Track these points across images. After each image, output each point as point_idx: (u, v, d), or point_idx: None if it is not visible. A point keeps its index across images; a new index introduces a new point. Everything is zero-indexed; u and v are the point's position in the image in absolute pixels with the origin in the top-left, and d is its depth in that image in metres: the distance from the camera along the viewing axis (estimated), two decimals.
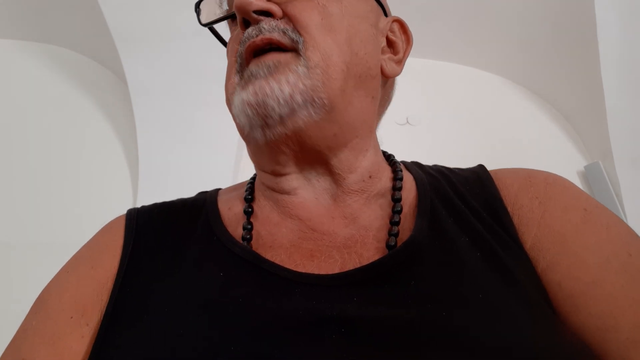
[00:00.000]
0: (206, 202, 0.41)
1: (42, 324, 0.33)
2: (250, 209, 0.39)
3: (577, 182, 2.02)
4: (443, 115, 2.09)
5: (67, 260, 0.39)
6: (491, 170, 0.41)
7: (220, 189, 0.46)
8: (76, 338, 0.32)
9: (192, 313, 0.31)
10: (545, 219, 0.34)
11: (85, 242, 0.41)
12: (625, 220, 1.77)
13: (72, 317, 0.33)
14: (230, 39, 0.40)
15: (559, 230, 0.33)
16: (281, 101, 0.32)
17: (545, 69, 2.05)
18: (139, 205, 0.43)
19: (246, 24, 0.35)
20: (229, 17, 0.40)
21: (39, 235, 1.58)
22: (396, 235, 0.34)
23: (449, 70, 2.19)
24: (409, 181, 0.40)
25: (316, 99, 0.33)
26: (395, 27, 0.44)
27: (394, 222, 0.35)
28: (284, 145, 0.35)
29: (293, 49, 0.34)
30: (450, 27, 1.98)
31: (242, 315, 0.30)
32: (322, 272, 0.32)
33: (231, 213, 0.40)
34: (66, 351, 0.32)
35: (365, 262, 0.32)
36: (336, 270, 0.32)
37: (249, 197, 0.40)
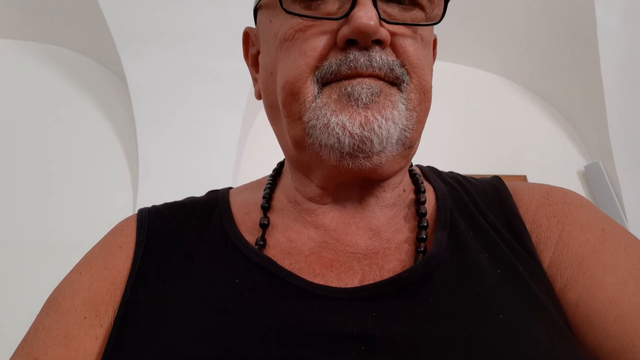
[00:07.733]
0: (218, 203, 0.41)
1: (54, 324, 0.32)
2: (266, 222, 0.37)
3: (577, 182, 2.02)
4: (443, 115, 2.09)
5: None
6: (508, 184, 0.41)
7: (231, 188, 0.45)
8: (90, 339, 0.32)
9: (207, 319, 0.30)
10: (563, 239, 0.34)
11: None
12: (625, 220, 1.78)
13: (85, 318, 0.33)
14: (311, 27, 0.32)
15: (577, 250, 0.33)
16: (383, 141, 0.31)
17: (545, 69, 2.05)
18: (138, 205, 0.43)
19: (351, 41, 0.31)
20: None
21: (39, 235, 1.58)
22: (424, 252, 0.34)
23: (449, 70, 2.19)
24: (428, 191, 0.40)
25: (402, 139, 0.32)
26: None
27: (420, 239, 0.34)
28: (353, 173, 0.33)
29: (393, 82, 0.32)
30: (451, 27, 1.98)
31: (258, 324, 0.29)
32: (342, 283, 0.32)
33: (248, 219, 0.39)
34: (80, 352, 0.31)
35: (385, 275, 0.32)
36: (356, 282, 0.32)
37: (266, 205, 0.39)
